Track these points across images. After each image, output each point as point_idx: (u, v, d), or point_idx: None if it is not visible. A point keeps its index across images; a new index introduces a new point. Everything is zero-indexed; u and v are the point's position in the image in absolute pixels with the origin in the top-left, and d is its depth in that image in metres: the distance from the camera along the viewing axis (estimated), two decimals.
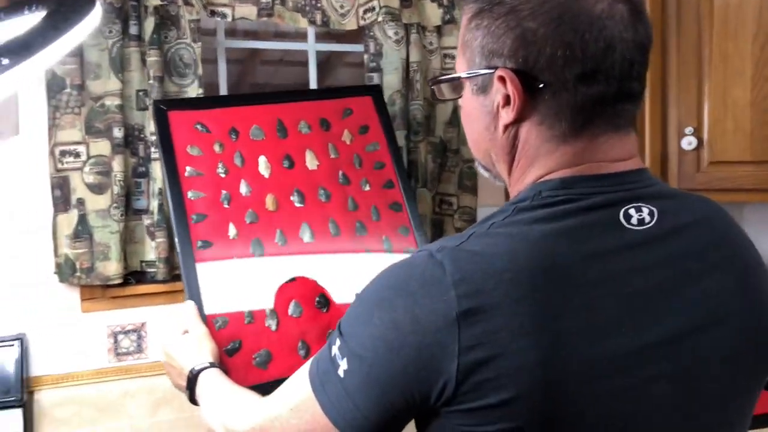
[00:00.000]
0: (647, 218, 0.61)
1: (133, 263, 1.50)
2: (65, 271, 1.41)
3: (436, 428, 0.61)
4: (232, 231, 1.12)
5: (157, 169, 1.44)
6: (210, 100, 1.24)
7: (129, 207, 1.47)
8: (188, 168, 1.14)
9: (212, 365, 0.95)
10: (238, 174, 1.16)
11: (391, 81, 1.64)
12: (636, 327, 0.58)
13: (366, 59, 1.66)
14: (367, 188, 1.28)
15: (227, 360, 1.03)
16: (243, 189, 1.16)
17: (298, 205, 1.19)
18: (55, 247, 1.41)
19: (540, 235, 0.58)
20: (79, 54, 1.40)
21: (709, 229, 0.65)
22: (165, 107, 1.18)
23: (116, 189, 1.42)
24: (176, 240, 1.09)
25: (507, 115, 0.64)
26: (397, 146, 1.39)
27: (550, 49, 0.59)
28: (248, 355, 1.06)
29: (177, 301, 1.54)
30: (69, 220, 1.41)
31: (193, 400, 0.94)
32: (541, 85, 0.61)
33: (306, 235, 1.17)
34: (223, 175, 1.15)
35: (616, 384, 0.57)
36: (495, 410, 0.55)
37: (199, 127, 1.18)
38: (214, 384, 0.90)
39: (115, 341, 1.52)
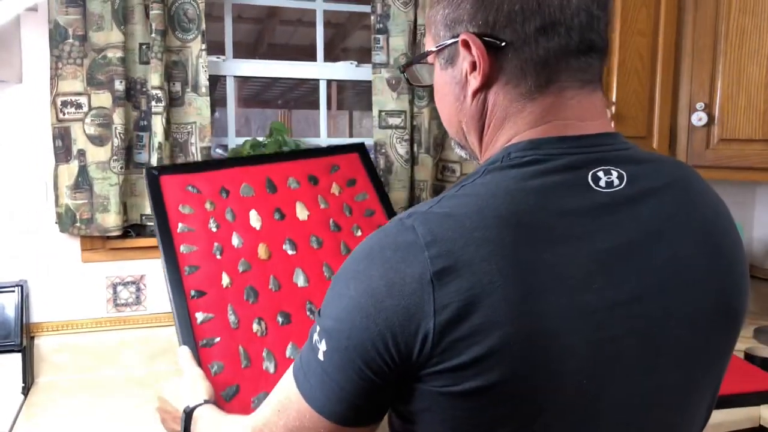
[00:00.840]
0: (616, 181, 0.62)
1: (134, 216, 1.51)
2: (65, 221, 1.43)
3: (413, 399, 0.60)
4: (225, 280, 1.13)
5: (158, 123, 1.45)
6: (200, 165, 1.28)
7: (130, 160, 1.48)
8: (180, 224, 1.17)
9: (207, 402, 0.91)
10: (229, 228, 1.19)
11: (397, 43, 1.62)
12: (605, 284, 0.58)
13: (373, 20, 1.63)
14: (359, 233, 1.29)
15: (225, 404, 1.00)
16: (235, 241, 1.18)
17: (290, 252, 1.20)
18: (56, 197, 1.43)
19: (508, 193, 0.59)
20: (82, 4, 1.39)
21: (680, 192, 0.65)
22: (156, 172, 1.22)
23: (117, 141, 1.42)
24: (168, 291, 1.09)
25: (475, 81, 0.65)
26: (386, 195, 1.39)
27: (508, 6, 0.61)
28: (247, 399, 1.04)
29: None
30: (70, 171, 1.42)
31: None
32: (503, 44, 0.62)
33: (300, 280, 1.18)
34: (214, 230, 1.18)
35: (585, 339, 0.57)
36: (470, 368, 0.55)
37: (190, 188, 1.22)
38: (208, 416, 0.87)
39: (114, 292, 1.55)
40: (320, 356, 0.61)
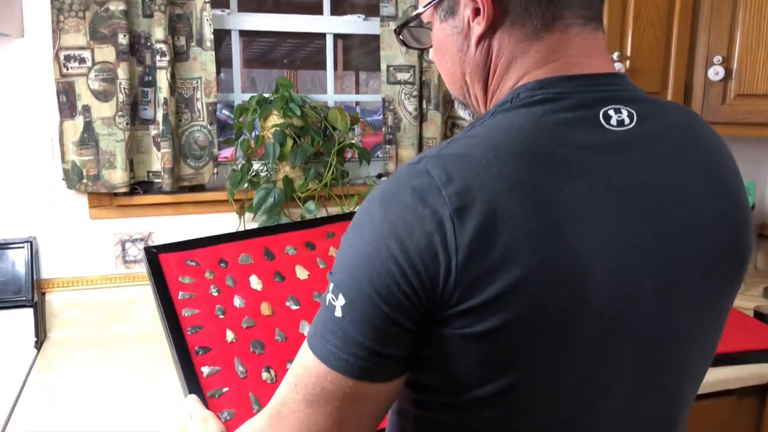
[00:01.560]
0: (627, 120, 0.62)
1: (140, 173, 1.51)
2: (72, 177, 1.43)
3: (431, 345, 0.60)
4: (229, 335, 1.12)
5: (162, 79, 1.42)
6: (197, 241, 1.29)
7: (135, 116, 1.47)
8: (181, 293, 1.17)
9: None
10: (230, 291, 1.20)
11: None
12: (621, 220, 0.59)
13: None
14: None
15: None
16: (237, 302, 1.18)
17: (294, 307, 1.19)
18: (62, 154, 1.42)
19: (522, 130, 0.59)
20: None
21: (686, 134, 0.65)
22: (156, 250, 1.23)
23: (121, 97, 1.41)
24: (171, 349, 1.07)
25: (479, 26, 0.65)
26: None
27: None
28: None
29: (183, 213, 1.57)
30: (75, 127, 1.41)
31: None
32: None
33: (306, 330, 1.16)
34: (215, 294, 1.19)
35: (606, 273, 0.57)
36: (492, 304, 0.55)
37: (189, 262, 1.24)
38: None
39: (123, 249, 1.55)
40: (337, 313, 0.59)
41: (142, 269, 1.57)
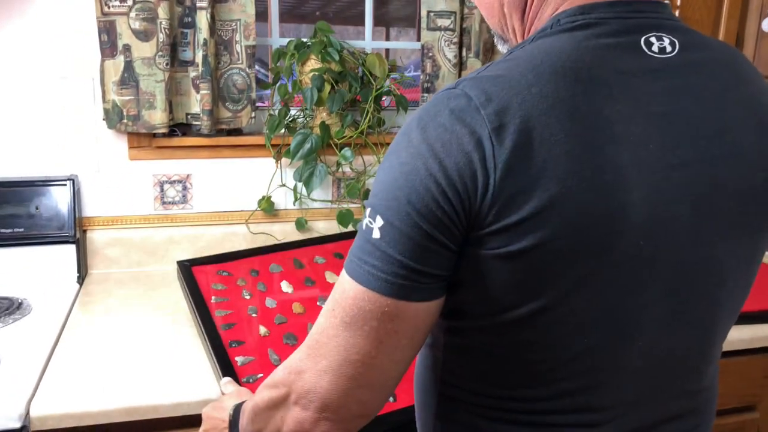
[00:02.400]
0: (668, 48, 0.61)
1: (179, 115, 1.51)
2: (113, 117, 1.44)
3: (465, 267, 0.60)
4: (262, 330, 1.14)
5: (202, 19, 1.42)
6: (227, 256, 1.35)
7: (175, 58, 1.47)
8: (214, 297, 1.21)
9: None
10: (262, 295, 1.24)
11: None
12: (661, 147, 0.58)
13: None
14: None
15: None
16: (269, 303, 1.22)
17: None
18: (103, 93, 1.43)
19: (562, 52, 0.59)
20: None
21: (731, 69, 0.64)
22: (188, 263, 1.30)
23: (162, 37, 1.40)
24: (204, 342, 1.09)
25: None
26: None
27: None
28: None
29: (221, 156, 1.58)
30: (116, 67, 1.42)
31: None
32: None
33: None
34: (248, 298, 1.23)
35: (643, 198, 0.57)
36: (529, 222, 0.55)
37: (221, 273, 1.30)
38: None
39: (161, 190, 1.57)
40: (375, 235, 0.59)
41: (180, 211, 1.59)
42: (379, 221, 0.59)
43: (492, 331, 0.63)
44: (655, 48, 0.61)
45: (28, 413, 0.97)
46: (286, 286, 1.27)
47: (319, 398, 0.63)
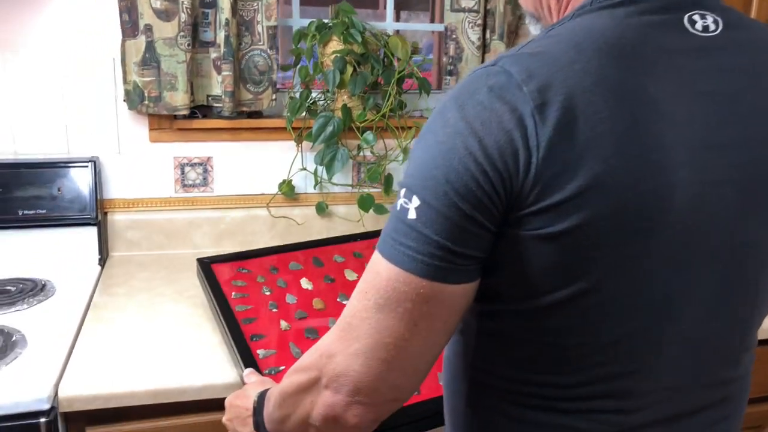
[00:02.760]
0: (712, 26, 0.60)
1: (200, 97, 1.50)
2: (134, 98, 1.43)
3: (504, 249, 0.59)
4: (283, 324, 1.14)
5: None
6: (247, 254, 1.34)
7: (196, 39, 1.45)
8: (234, 293, 1.20)
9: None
10: (282, 291, 1.23)
11: None
12: (705, 127, 0.57)
13: None
14: None
15: None
16: (289, 299, 1.21)
17: (345, 302, 1.19)
18: (124, 74, 1.42)
19: (605, 28, 0.57)
20: None
21: None
22: (208, 260, 1.29)
23: (183, 17, 1.39)
24: (225, 336, 1.09)
25: None
26: None
27: None
28: None
29: (241, 139, 1.56)
30: (137, 47, 1.40)
31: (262, 429, 0.77)
32: None
33: None
34: (268, 293, 1.22)
35: (689, 177, 0.56)
36: (570, 203, 0.54)
37: (241, 270, 1.29)
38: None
39: (182, 173, 1.56)
40: (411, 216, 0.57)
41: (200, 193, 1.58)
42: (416, 201, 0.57)
43: (528, 315, 0.62)
44: (698, 26, 0.59)
45: (56, 395, 0.97)
46: (305, 283, 1.27)
47: (351, 381, 0.62)
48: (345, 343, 0.62)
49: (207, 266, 1.27)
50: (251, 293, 1.22)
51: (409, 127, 1.59)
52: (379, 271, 0.60)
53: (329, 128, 1.48)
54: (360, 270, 1.33)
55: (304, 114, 1.55)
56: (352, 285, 1.27)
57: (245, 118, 1.55)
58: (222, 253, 1.57)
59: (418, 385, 0.65)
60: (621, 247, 0.56)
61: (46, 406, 0.95)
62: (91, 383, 1.00)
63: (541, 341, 0.63)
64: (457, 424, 0.75)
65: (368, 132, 1.53)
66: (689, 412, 0.67)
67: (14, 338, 1.10)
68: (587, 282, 0.58)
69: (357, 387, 0.62)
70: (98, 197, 1.45)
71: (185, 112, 1.45)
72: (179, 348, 1.12)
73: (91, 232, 1.45)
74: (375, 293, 0.60)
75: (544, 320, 0.61)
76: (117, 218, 1.53)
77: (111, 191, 1.53)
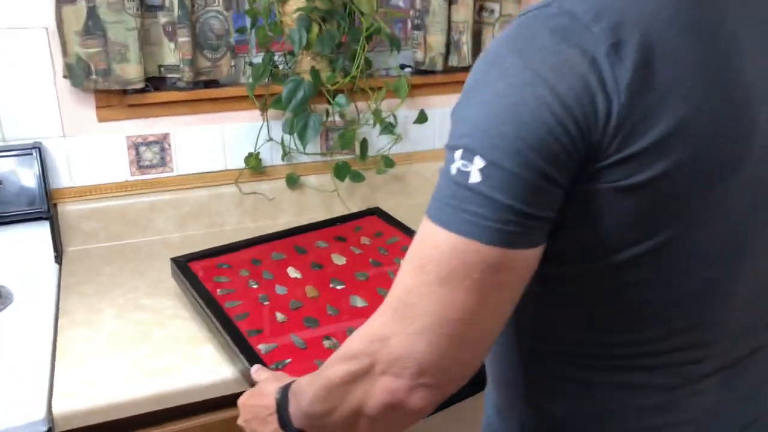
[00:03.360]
0: None
1: (151, 68, 1.35)
2: (78, 73, 1.27)
3: (579, 206, 0.55)
4: (279, 317, 1.06)
5: None
6: (224, 248, 1.26)
7: (143, 2, 1.30)
8: (219, 290, 1.12)
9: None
10: (270, 283, 1.16)
11: None
12: None
13: None
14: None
15: None
16: (279, 290, 1.14)
17: (339, 287, 1.16)
18: (63, 46, 1.25)
19: None
20: None
21: None
22: (183, 259, 1.19)
23: None
24: (221, 335, 1.00)
25: None
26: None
27: None
28: None
29: (200, 112, 1.44)
30: (77, 14, 1.23)
31: (289, 426, 0.72)
32: None
33: (358, 302, 1.11)
34: (255, 286, 1.14)
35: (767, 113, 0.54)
36: (655, 149, 0.51)
37: (221, 266, 1.20)
38: (307, 380, 0.70)
39: (137, 153, 1.42)
40: (473, 179, 0.52)
41: (159, 174, 1.45)
42: (479, 162, 0.52)
43: (599, 274, 0.58)
44: None
45: (50, 414, 0.86)
46: (293, 272, 1.19)
47: (415, 364, 0.57)
48: (402, 324, 0.57)
49: (183, 265, 1.17)
50: (237, 288, 1.13)
51: (379, 88, 1.50)
52: (438, 243, 0.54)
53: (300, 93, 1.37)
54: (347, 254, 1.27)
55: (267, 80, 1.43)
56: (343, 270, 1.21)
57: (202, 89, 1.42)
58: (190, 234, 1.46)
59: (484, 359, 0.60)
60: (705, 192, 0.54)
61: (43, 429, 0.84)
62: (86, 396, 0.90)
63: (613, 300, 0.60)
64: (510, 395, 0.71)
65: (340, 95, 1.43)
66: (749, 354, 0.66)
67: None
68: (670, 232, 0.55)
69: (422, 369, 0.57)
70: (47, 188, 1.29)
71: (140, 85, 1.30)
72: (173, 346, 1.02)
73: (43, 227, 1.29)
74: (435, 267, 0.54)
75: (618, 278, 0.58)
76: (68, 209, 1.37)
77: (58, 180, 1.37)
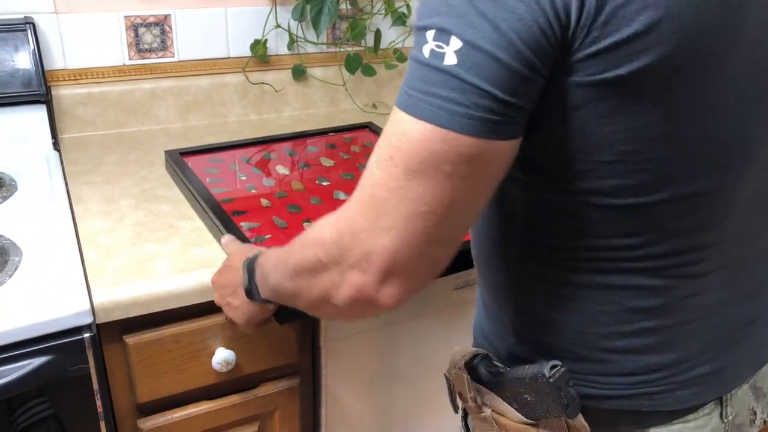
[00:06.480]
0: None
1: None
2: None
3: (556, 100, 0.52)
4: (264, 201, 1.09)
5: None
6: (217, 147, 1.26)
7: None
8: (208, 178, 1.14)
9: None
10: (258, 177, 1.18)
11: None
12: None
13: None
14: None
15: None
16: (266, 183, 1.16)
17: (325, 183, 1.17)
18: None
19: None
20: None
21: None
22: (178, 152, 1.21)
23: None
24: (203, 212, 1.02)
25: None
26: None
27: None
28: None
29: None
30: None
31: (256, 296, 0.73)
32: None
33: (341, 195, 1.13)
34: (244, 178, 1.17)
35: (758, 38, 0.52)
36: (639, 39, 0.47)
37: (213, 160, 1.22)
38: (275, 252, 0.70)
39: (136, 35, 1.31)
40: (448, 61, 0.48)
41: (159, 59, 1.35)
42: (455, 43, 0.48)
43: (581, 177, 0.56)
44: None
45: (92, 306, 0.83)
46: (281, 169, 1.22)
47: (382, 260, 0.54)
48: (369, 217, 0.54)
49: (177, 156, 1.19)
50: (226, 179, 1.16)
51: None
52: (407, 132, 0.50)
53: None
54: (335, 158, 1.27)
55: None
56: (329, 170, 1.22)
57: None
58: (191, 125, 1.40)
59: (453, 254, 0.57)
60: (691, 88, 0.51)
61: (88, 320, 0.82)
62: (125, 289, 0.87)
63: (602, 204, 0.57)
64: (500, 300, 0.70)
65: None
66: (750, 253, 0.66)
67: (1, 244, 0.92)
68: (654, 132, 0.52)
69: (390, 265, 0.54)
70: (43, 68, 1.19)
71: None
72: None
73: (40, 110, 1.20)
74: (404, 158, 0.51)
75: (604, 180, 0.56)
76: (62, 93, 1.28)
77: (51, 61, 1.26)
